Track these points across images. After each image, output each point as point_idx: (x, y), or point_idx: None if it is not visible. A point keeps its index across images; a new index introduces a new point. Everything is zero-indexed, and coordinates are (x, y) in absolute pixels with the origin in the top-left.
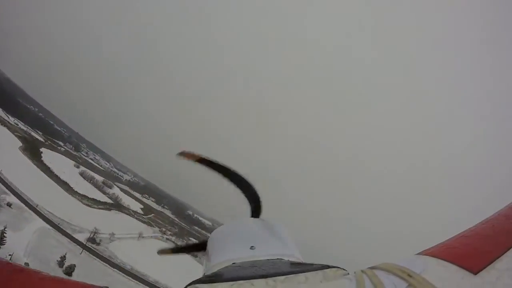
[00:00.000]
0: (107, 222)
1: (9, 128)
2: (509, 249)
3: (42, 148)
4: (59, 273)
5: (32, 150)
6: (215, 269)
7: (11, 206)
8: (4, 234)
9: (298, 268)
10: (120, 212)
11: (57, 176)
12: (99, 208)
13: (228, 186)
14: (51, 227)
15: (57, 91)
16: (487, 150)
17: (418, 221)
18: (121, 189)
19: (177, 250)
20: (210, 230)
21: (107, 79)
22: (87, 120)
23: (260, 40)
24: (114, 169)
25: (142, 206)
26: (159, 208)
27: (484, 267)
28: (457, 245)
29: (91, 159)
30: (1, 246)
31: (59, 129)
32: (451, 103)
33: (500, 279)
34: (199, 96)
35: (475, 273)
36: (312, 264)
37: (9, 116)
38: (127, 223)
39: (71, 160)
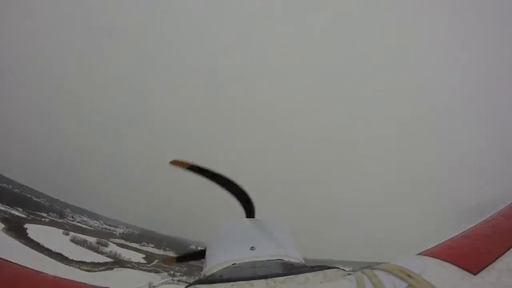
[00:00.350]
0: (113, 282)
1: None
2: (509, 249)
3: (26, 224)
4: None
5: (16, 229)
6: (215, 270)
7: None
8: None
9: (298, 269)
10: (123, 268)
11: (48, 249)
12: (100, 270)
13: (219, 207)
14: None
15: (26, 163)
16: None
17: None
18: (118, 244)
19: (181, 258)
20: None
21: (74, 138)
22: (64, 184)
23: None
24: (105, 226)
25: (143, 255)
26: (161, 252)
27: (484, 267)
28: (457, 246)
29: (79, 222)
30: None
31: (38, 200)
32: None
33: (500, 279)
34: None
35: (475, 273)
36: (312, 265)
37: None
38: (133, 277)
39: (58, 229)
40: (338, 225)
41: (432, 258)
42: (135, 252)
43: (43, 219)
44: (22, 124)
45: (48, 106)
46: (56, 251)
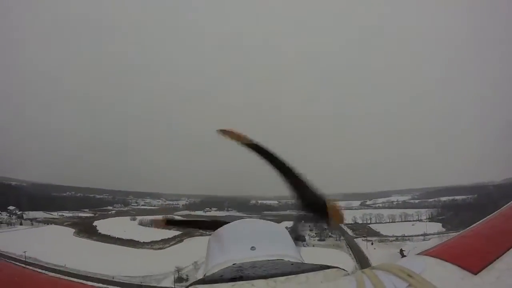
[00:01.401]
0: (185, 254)
1: (57, 223)
2: (509, 249)
3: (95, 222)
4: None
5: (86, 229)
6: (215, 270)
7: None
8: None
9: (299, 268)
10: (192, 238)
11: (119, 239)
12: (171, 245)
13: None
14: None
15: (79, 167)
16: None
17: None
18: (183, 216)
19: (171, 222)
20: (279, 208)
21: (118, 130)
22: (122, 175)
23: None
24: (168, 202)
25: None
26: (225, 213)
27: (484, 267)
28: (457, 245)
29: (143, 205)
30: None
31: (101, 197)
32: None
33: (500, 279)
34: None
35: (475, 273)
36: (312, 265)
37: (52, 213)
38: (203, 243)
39: (125, 217)
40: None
41: (433, 258)
42: (200, 219)
43: (109, 212)
44: (62, 131)
45: (84, 103)
46: (127, 239)
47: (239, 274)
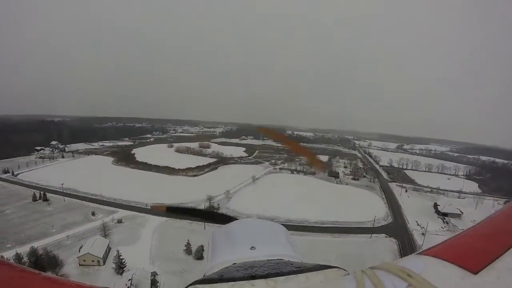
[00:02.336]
0: (218, 182)
1: (97, 153)
2: (509, 248)
3: (133, 150)
4: (191, 260)
5: (124, 158)
6: (215, 270)
7: (122, 221)
8: (122, 259)
9: (299, 268)
10: (227, 165)
11: (156, 166)
12: (206, 172)
13: (304, 93)
14: (167, 218)
15: (117, 99)
16: None
17: None
18: (219, 143)
19: (172, 209)
20: (312, 141)
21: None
22: (160, 103)
23: None
24: (205, 129)
25: (244, 149)
26: (260, 142)
27: (484, 267)
28: (457, 245)
29: (181, 132)
30: (123, 270)
31: (140, 125)
32: None
33: (500, 279)
34: None
35: (475, 273)
36: (312, 265)
37: (93, 144)
38: (237, 172)
39: (163, 144)
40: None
41: (432, 258)
42: (236, 147)
43: (148, 140)
44: (101, 66)
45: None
46: (163, 166)
47: (239, 274)
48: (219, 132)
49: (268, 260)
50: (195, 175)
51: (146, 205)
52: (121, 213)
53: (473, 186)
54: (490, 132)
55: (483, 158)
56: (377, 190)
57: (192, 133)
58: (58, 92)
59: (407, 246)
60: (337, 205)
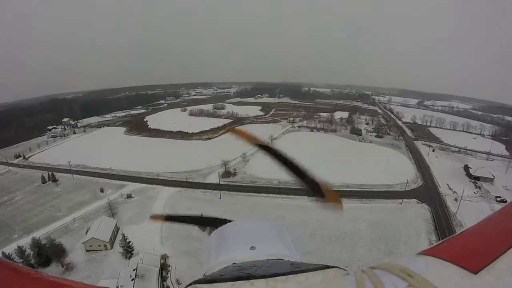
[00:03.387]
0: (234, 143)
1: (109, 125)
2: (509, 248)
3: (146, 117)
4: (205, 237)
5: (137, 126)
6: (215, 269)
7: (131, 196)
8: (129, 242)
9: (298, 268)
10: (243, 125)
11: (169, 132)
12: (221, 134)
13: (320, 50)
14: (180, 188)
15: (128, 68)
16: None
17: None
18: (234, 104)
19: (171, 218)
20: (330, 97)
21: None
22: (173, 68)
23: None
24: (219, 91)
25: (260, 108)
26: (276, 100)
27: (484, 267)
28: (457, 245)
29: (194, 95)
30: (132, 254)
31: (153, 92)
32: None
33: (500, 279)
34: None
35: (475, 273)
36: (312, 264)
37: (105, 116)
38: (253, 132)
39: (176, 109)
40: None
41: (432, 258)
42: (252, 106)
43: (162, 106)
44: (109, 38)
45: None
46: (176, 131)
47: (239, 273)
48: (234, 92)
49: (268, 259)
50: (209, 138)
51: (157, 175)
52: (131, 186)
53: (500, 148)
54: None
55: (508, 118)
56: (403, 149)
57: (206, 95)
58: (69, 69)
59: (440, 214)
60: (362, 166)
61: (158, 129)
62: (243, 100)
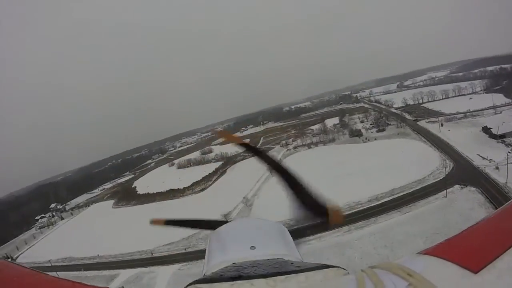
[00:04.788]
0: (231, 187)
1: (97, 201)
2: (510, 247)
3: (134, 183)
4: None
5: (125, 195)
6: (215, 269)
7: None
8: None
9: (298, 267)
10: (235, 164)
11: (159, 192)
12: (215, 180)
13: (294, 72)
14: (181, 265)
15: (111, 137)
16: None
17: None
18: (221, 144)
19: (170, 222)
20: (313, 109)
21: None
22: (153, 126)
23: None
24: (204, 135)
25: (248, 140)
26: (262, 128)
27: (485, 266)
28: (458, 244)
29: (180, 147)
30: None
31: (139, 154)
32: None
33: (501, 278)
34: None
35: (476, 272)
36: (312, 264)
37: (94, 191)
38: (248, 169)
39: (164, 166)
40: None
41: (433, 257)
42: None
43: (149, 166)
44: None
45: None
46: (167, 190)
47: (239, 273)
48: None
49: (268, 259)
50: (203, 189)
51: (152, 253)
52: (123, 275)
53: (499, 98)
54: (486, 43)
55: (490, 68)
56: (412, 135)
57: (191, 143)
58: (56, 151)
59: (492, 192)
60: (380, 168)
61: (148, 193)
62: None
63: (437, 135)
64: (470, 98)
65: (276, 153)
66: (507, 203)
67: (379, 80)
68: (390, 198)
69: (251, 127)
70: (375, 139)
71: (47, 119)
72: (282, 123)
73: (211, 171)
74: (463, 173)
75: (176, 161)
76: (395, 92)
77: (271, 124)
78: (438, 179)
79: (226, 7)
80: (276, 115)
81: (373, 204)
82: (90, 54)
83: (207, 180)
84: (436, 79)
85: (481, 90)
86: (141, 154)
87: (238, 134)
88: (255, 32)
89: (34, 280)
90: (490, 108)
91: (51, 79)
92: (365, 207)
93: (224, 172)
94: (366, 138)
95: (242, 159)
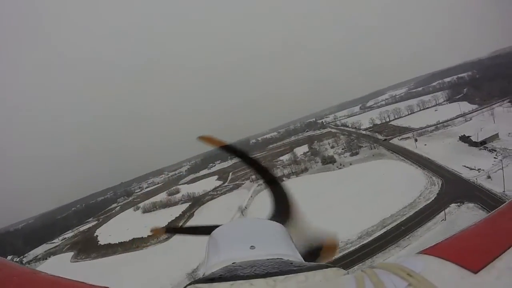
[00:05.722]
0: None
1: (56, 253)
2: (509, 248)
3: (97, 231)
4: None
5: (86, 247)
6: (214, 269)
7: None
8: None
9: (298, 267)
10: (204, 205)
11: (121, 242)
12: (186, 219)
13: (260, 105)
14: None
15: (73, 181)
16: None
17: None
18: (188, 183)
19: (171, 230)
20: (280, 139)
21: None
22: (119, 167)
23: None
24: (171, 173)
25: (216, 177)
26: (229, 163)
27: (484, 266)
28: (457, 244)
29: (147, 187)
30: None
31: (104, 197)
32: None
33: (500, 279)
34: None
35: (475, 272)
36: (312, 264)
37: (54, 241)
38: (218, 210)
39: (129, 210)
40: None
41: (432, 257)
42: (208, 179)
43: (114, 211)
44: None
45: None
46: (130, 239)
47: (238, 273)
48: (186, 170)
49: (267, 259)
50: (168, 238)
51: None
52: None
53: (464, 106)
54: (438, 57)
55: (447, 79)
56: (388, 154)
57: (158, 183)
58: (17, 196)
59: (492, 204)
60: (363, 196)
61: (109, 244)
62: (197, 175)
63: (414, 152)
64: (436, 110)
65: (247, 189)
66: (506, 203)
67: (342, 104)
68: (383, 231)
69: (219, 163)
70: (351, 164)
71: (9, 164)
72: (250, 156)
73: (177, 215)
74: (455, 188)
75: (141, 205)
76: (359, 113)
77: (238, 159)
78: (430, 200)
79: (188, 43)
80: (244, 148)
81: (365, 242)
82: (46, 93)
83: (178, 219)
84: (397, 96)
85: (444, 101)
86: (107, 197)
87: (205, 170)
88: (219, 67)
89: (34, 280)
90: (460, 116)
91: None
92: (357, 247)
93: (192, 215)
94: (340, 164)
95: (211, 199)
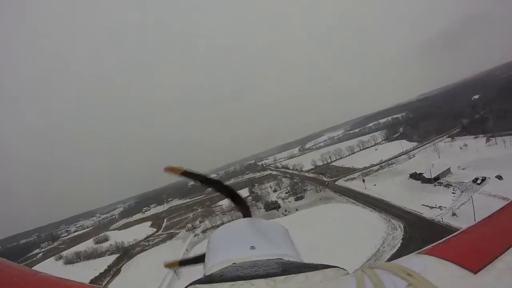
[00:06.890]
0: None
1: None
2: (509, 248)
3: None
4: None
5: None
6: (215, 269)
7: None
8: None
9: (298, 268)
10: (133, 259)
11: None
12: (111, 276)
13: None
14: None
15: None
16: None
17: None
18: (119, 228)
19: (184, 262)
20: (222, 180)
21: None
22: (48, 207)
23: None
24: (103, 216)
25: (150, 223)
26: (166, 207)
27: (484, 266)
28: (457, 244)
29: (75, 231)
30: None
31: (26, 240)
32: None
33: (500, 279)
34: None
35: (475, 272)
36: (312, 264)
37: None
38: (148, 266)
39: (50, 259)
40: None
41: (432, 257)
42: (142, 224)
43: (34, 258)
44: None
45: None
46: None
47: (238, 273)
48: (118, 214)
49: (267, 259)
50: (99, 285)
51: None
52: None
53: (404, 144)
54: (371, 99)
55: (382, 120)
56: (336, 197)
57: (88, 227)
58: None
59: None
60: (316, 248)
61: None
62: (130, 220)
63: (364, 193)
64: (376, 149)
65: (182, 240)
66: (506, 204)
67: (281, 146)
68: None
69: (154, 206)
70: (297, 210)
71: None
72: (188, 200)
73: (102, 271)
74: (421, 231)
75: (64, 253)
76: (299, 155)
77: (176, 202)
78: (397, 247)
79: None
80: (181, 190)
81: None
82: None
83: (98, 280)
84: (335, 138)
85: (383, 140)
86: (29, 240)
87: (139, 215)
88: (156, 105)
89: (34, 280)
90: (403, 154)
91: None
92: None
93: (119, 271)
94: (286, 210)
95: (141, 251)
